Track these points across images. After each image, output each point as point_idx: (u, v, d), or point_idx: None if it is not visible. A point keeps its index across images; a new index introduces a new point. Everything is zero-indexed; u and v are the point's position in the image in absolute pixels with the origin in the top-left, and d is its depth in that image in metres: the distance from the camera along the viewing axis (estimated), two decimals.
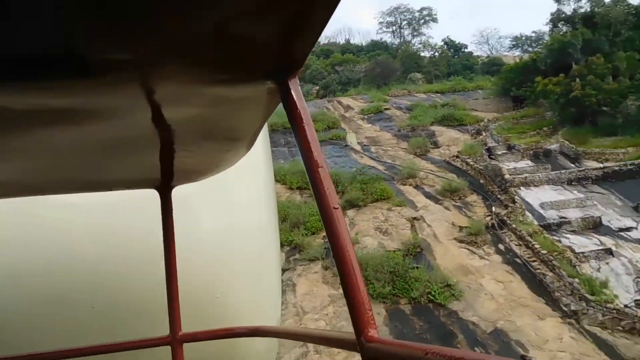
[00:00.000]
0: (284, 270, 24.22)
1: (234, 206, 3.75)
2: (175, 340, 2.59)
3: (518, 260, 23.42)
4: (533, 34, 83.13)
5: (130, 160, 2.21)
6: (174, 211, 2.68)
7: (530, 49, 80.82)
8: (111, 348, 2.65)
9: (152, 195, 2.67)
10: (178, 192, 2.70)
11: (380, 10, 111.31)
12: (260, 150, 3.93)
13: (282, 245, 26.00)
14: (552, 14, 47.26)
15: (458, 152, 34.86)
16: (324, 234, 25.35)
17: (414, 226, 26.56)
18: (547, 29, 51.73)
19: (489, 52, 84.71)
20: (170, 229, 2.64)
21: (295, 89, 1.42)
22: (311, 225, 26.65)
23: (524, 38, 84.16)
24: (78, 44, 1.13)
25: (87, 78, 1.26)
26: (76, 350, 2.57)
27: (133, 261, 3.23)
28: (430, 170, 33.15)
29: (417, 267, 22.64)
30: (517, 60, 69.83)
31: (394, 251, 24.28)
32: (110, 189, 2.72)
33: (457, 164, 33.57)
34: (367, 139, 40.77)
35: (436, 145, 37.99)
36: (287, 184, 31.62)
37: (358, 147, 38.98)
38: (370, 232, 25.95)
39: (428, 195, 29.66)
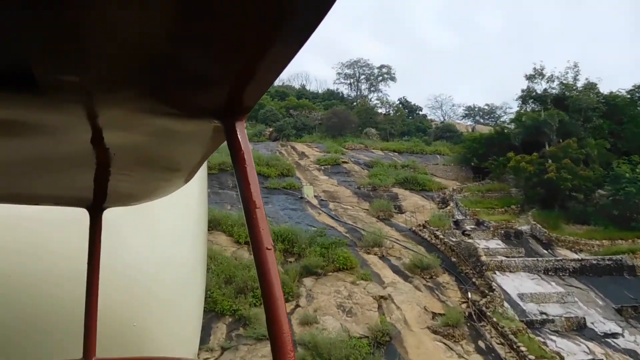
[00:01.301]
0: (223, 349, 19.40)
1: (162, 236, 3.67)
2: None
3: None
4: (486, 107, 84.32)
5: (64, 178, 2.21)
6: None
7: (481, 120, 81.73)
8: None
9: (79, 215, 2.64)
10: (107, 215, 2.68)
11: (339, 61, 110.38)
12: (195, 184, 3.76)
13: (223, 315, 21.23)
14: (523, 90, 46.39)
15: (425, 221, 31.62)
16: None
17: (381, 307, 22.60)
18: (499, 102, 51.20)
19: (441, 118, 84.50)
20: (97, 249, 2.62)
21: (241, 131, 1.44)
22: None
23: (476, 109, 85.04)
24: (27, 62, 1.14)
25: (35, 94, 1.27)
26: None
27: (48, 278, 3.08)
28: (396, 239, 29.60)
29: None
30: (470, 130, 70.03)
31: (359, 338, 20.15)
32: (38, 204, 2.68)
33: (426, 236, 30.24)
34: (324, 192, 36.97)
35: (400, 210, 34.70)
36: (233, 237, 26.99)
37: (315, 202, 35.02)
38: (331, 310, 21.70)
39: (396, 270, 25.92)
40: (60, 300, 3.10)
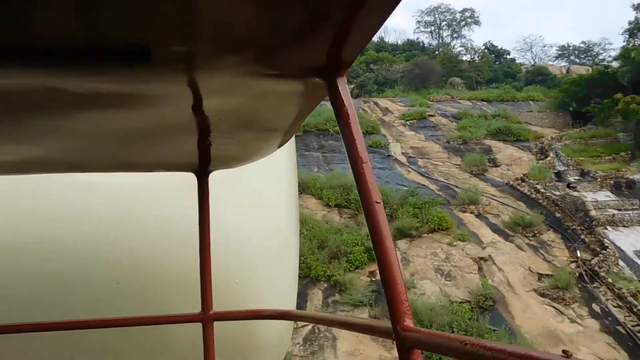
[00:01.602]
0: None
1: (258, 196, 3.80)
2: (207, 318, 2.68)
3: (622, 329, 18.24)
4: (582, 44, 77.53)
5: (171, 145, 2.30)
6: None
7: (577, 60, 75.25)
8: (144, 321, 2.82)
9: (183, 180, 2.78)
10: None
11: (418, 9, 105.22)
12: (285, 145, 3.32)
13: (318, 281, 21.01)
14: (630, 22, 41.59)
15: (523, 175, 29.56)
16: (371, 269, 20.39)
17: (481, 269, 21.43)
18: (596, 39, 46.19)
19: (532, 61, 78.88)
20: (206, 211, 2.73)
21: (343, 87, 1.47)
22: (355, 258, 21.62)
23: (571, 48, 78.47)
24: (144, 36, 1.22)
25: (148, 67, 1.34)
26: (110, 321, 2.77)
27: (158, 241, 3.30)
28: (492, 195, 27.93)
29: (494, 330, 17.58)
30: (564, 72, 64.77)
31: (461, 303, 19.22)
32: (150, 170, 2.83)
33: (525, 190, 28.30)
34: (412, 149, 35.58)
35: (495, 163, 32.70)
36: (323, 200, 26.54)
37: (403, 159, 33.81)
38: (429, 274, 20.85)
39: (495, 229, 24.47)
40: (166, 261, 3.28)
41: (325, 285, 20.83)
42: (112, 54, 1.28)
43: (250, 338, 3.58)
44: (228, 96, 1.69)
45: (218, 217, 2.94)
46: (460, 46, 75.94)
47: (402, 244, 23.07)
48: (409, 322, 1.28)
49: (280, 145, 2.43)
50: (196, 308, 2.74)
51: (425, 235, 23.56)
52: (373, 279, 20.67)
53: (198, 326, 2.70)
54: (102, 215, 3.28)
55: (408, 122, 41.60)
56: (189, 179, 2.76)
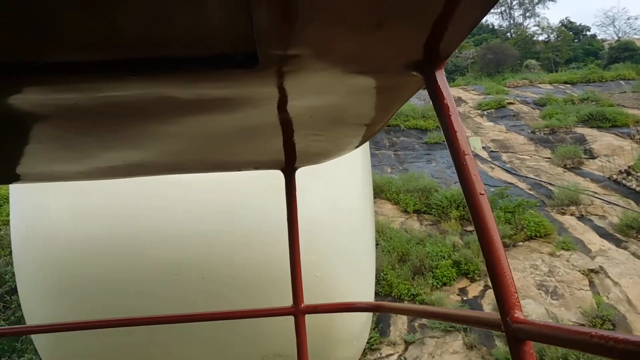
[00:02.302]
0: (407, 343, 16.91)
1: (335, 188, 3.77)
2: (299, 310, 2.75)
3: None
4: None
5: (260, 143, 2.39)
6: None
7: None
8: (239, 314, 2.96)
9: (270, 177, 2.93)
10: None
11: None
12: None
13: (401, 301, 18.65)
14: None
15: (629, 166, 25.83)
16: (460, 285, 17.85)
17: (593, 283, 18.34)
18: None
19: (615, 36, 72.24)
20: (294, 207, 2.80)
21: (442, 79, 1.48)
22: (442, 274, 19.10)
23: None
24: (253, 42, 1.26)
25: (255, 70, 1.39)
26: (204, 315, 2.90)
27: (243, 237, 3.40)
28: (594, 192, 24.48)
29: None
30: None
31: None
32: (239, 169, 2.91)
33: (632, 185, 24.63)
34: (493, 142, 32.37)
35: (591, 154, 29.01)
36: (400, 205, 24.11)
37: (484, 154, 30.70)
38: (531, 292, 18.01)
39: (602, 233, 21.16)
40: (251, 256, 3.38)
41: None
42: (224, 61, 1.34)
43: (333, 331, 3.61)
44: (323, 94, 1.71)
45: (299, 209, 2.93)
46: (535, 25, 70.87)
47: None
48: (519, 314, 1.28)
49: (365, 141, 2.48)
50: (277, 301, 2.95)
51: (522, 244, 20.65)
52: (465, 298, 18.11)
53: (281, 319, 2.87)
54: (192, 212, 3.37)
55: (485, 112, 38.24)
56: (276, 176, 2.85)
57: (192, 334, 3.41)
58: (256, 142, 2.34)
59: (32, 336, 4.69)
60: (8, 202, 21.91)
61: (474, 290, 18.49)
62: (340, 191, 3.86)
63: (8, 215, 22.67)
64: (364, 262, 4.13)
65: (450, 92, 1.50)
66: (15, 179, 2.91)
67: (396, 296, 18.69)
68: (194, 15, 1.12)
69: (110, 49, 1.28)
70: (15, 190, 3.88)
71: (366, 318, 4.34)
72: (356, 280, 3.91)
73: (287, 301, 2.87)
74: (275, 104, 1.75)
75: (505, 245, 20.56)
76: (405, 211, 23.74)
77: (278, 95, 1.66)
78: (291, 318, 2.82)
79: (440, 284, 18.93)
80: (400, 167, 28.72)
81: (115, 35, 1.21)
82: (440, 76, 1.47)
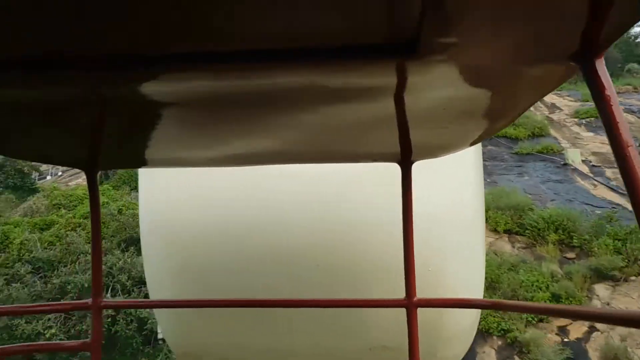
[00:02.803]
0: None
1: (451, 183, 3.79)
2: (411, 303, 2.73)
3: None
4: None
5: (381, 135, 2.37)
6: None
7: None
8: (351, 303, 3.05)
9: (384, 169, 2.93)
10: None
11: None
12: None
13: (490, 336, 16.54)
14: None
15: None
16: (560, 323, 15.80)
17: None
18: None
19: None
20: (409, 200, 2.78)
21: (602, 69, 1.41)
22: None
23: None
24: (414, 29, 1.23)
25: (413, 59, 1.37)
26: (320, 301, 3.03)
27: (356, 227, 3.44)
28: None
29: None
30: None
31: None
32: (356, 161, 2.96)
33: None
34: (594, 155, 29.06)
35: None
36: (488, 223, 21.75)
37: (585, 169, 27.54)
38: None
39: None
40: (365, 246, 3.40)
41: (500, 342, 16.28)
42: (378, 50, 1.32)
43: (442, 327, 3.54)
44: (466, 84, 1.64)
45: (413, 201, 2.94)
46: (638, 26, 64.94)
47: (602, 289, 17.60)
48: None
49: (486, 137, 2.42)
50: (388, 293, 2.94)
51: (635, 278, 17.82)
52: (565, 340, 15.71)
53: (389, 312, 2.92)
54: (307, 201, 3.46)
55: (584, 121, 34.70)
56: (390, 168, 2.85)
57: (301, 322, 3.51)
58: (377, 134, 2.34)
59: (157, 317, 5.08)
60: (82, 203, 21.63)
61: (576, 330, 16.03)
62: (455, 186, 3.80)
63: (81, 216, 22.73)
64: (475, 259, 4.07)
65: (611, 82, 1.40)
66: (143, 163, 3.09)
67: (484, 330, 16.56)
68: (347, 4, 1.12)
69: (259, 39, 1.29)
70: (143, 176, 4.08)
71: (475, 316, 4.26)
72: (467, 276, 3.86)
73: (395, 293, 2.88)
74: (415, 93, 1.69)
75: (615, 279, 17.86)
76: (495, 230, 21.36)
77: (424, 85, 1.62)
78: (400, 311, 2.81)
79: (536, 319, 16.58)
80: (488, 180, 26.23)
81: (266, 26, 1.22)
82: (600, 65, 1.38)
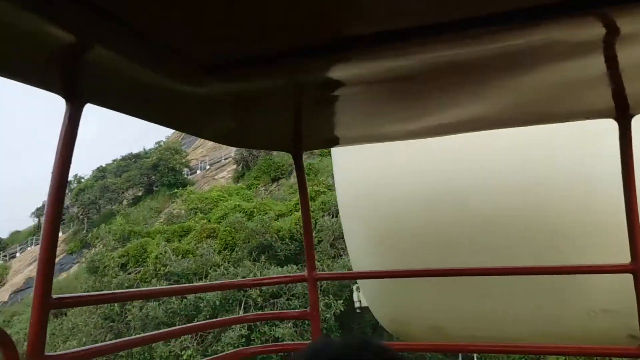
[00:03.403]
0: None
1: None
2: (639, 268, 2.59)
3: None
4: None
5: (593, 92, 2.32)
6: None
7: None
8: (570, 270, 2.97)
9: (593, 127, 2.85)
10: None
11: None
12: None
13: None
14: None
15: None
16: None
17: None
18: None
19: None
20: (629, 157, 2.65)
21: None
22: None
23: None
24: None
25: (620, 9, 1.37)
26: (537, 269, 3.00)
27: (564, 189, 3.30)
28: None
29: None
30: None
31: None
32: (568, 120, 2.84)
33: None
34: None
35: None
36: None
37: None
38: None
39: None
40: (573, 209, 3.24)
41: None
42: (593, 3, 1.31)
43: None
44: None
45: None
46: None
47: None
48: None
49: None
50: (603, 256, 2.85)
51: None
52: None
53: (613, 275, 2.80)
54: (511, 165, 3.36)
55: None
56: (595, 127, 2.81)
57: (518, 288, 3.41)
58: (590, 91, 2.28)
59: (361, 288, 5.16)
60: (216, 206, 20.73)
61: None
62: None
63: (215, 221, 22.41)
64: None
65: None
66: (340, 142, 3.25)
67: None
68: None
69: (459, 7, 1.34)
70: (337, 155, 4.19)
71: None
72: None
73: (611, 257, 2.75)
74: (626, 45, 1.65)
75: None
76: None
77: (634, 36, 1.58)
78: (623, 275, 2.65)
79: None
80: None
81: None
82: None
